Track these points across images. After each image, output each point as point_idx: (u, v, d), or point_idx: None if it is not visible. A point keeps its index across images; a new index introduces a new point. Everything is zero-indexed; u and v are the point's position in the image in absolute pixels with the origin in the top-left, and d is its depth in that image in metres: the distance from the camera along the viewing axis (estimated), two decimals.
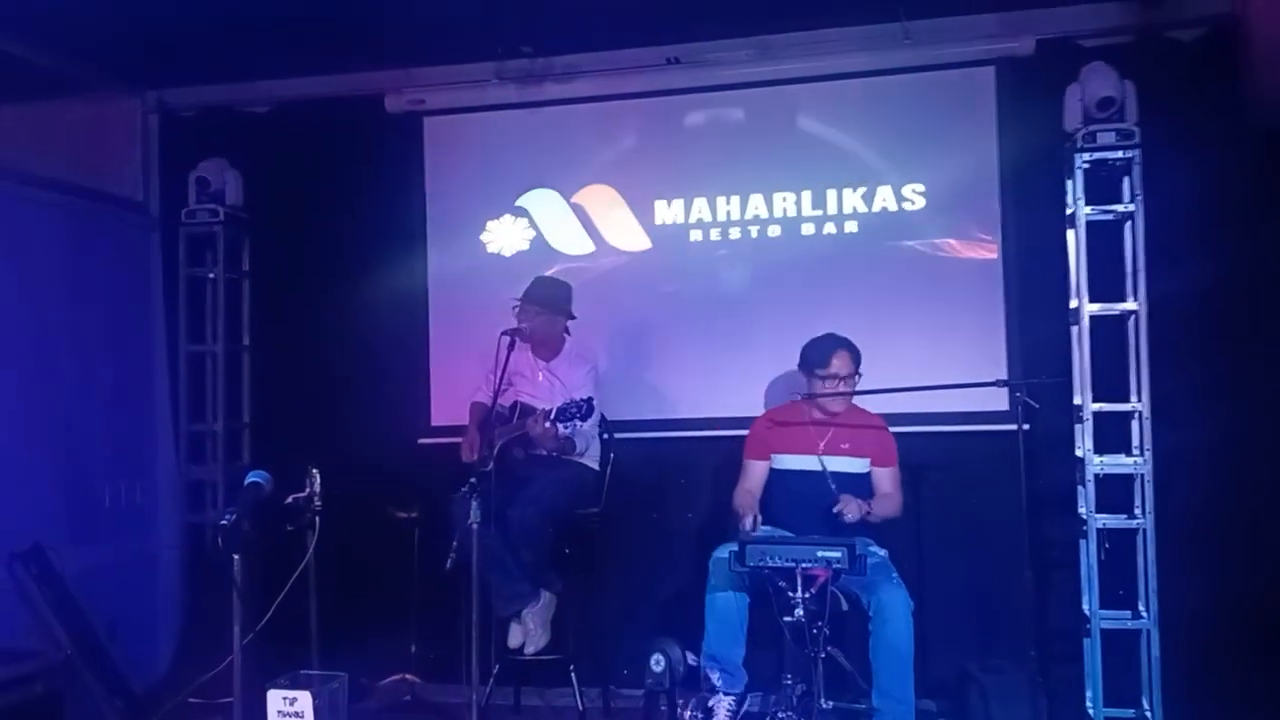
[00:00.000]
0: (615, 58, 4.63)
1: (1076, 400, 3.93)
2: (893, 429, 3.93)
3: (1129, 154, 3.85)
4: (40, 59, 4.33)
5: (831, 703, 3.27)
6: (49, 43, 4.30)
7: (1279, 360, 3.92)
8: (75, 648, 3.93)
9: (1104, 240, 3.96)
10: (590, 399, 3.73)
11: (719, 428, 4.45)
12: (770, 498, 3.88)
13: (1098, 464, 3.87)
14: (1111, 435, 3.93)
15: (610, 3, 4.14)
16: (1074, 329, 3.97)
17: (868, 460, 3.86)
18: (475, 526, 3.38)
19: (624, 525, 4.42)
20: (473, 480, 3.45)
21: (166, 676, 4.63)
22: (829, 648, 3.27)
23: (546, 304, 4.11)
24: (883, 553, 3.73)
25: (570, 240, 4.74)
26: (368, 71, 4.79)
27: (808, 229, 4.53)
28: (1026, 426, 3.69)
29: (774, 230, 4.56)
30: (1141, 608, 3.87)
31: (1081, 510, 3.91)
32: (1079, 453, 3.91)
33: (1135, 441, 3.91)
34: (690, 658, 3.63)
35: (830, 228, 4.51)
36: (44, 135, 4.46)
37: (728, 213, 4.59)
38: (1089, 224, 3.94)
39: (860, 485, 3.82)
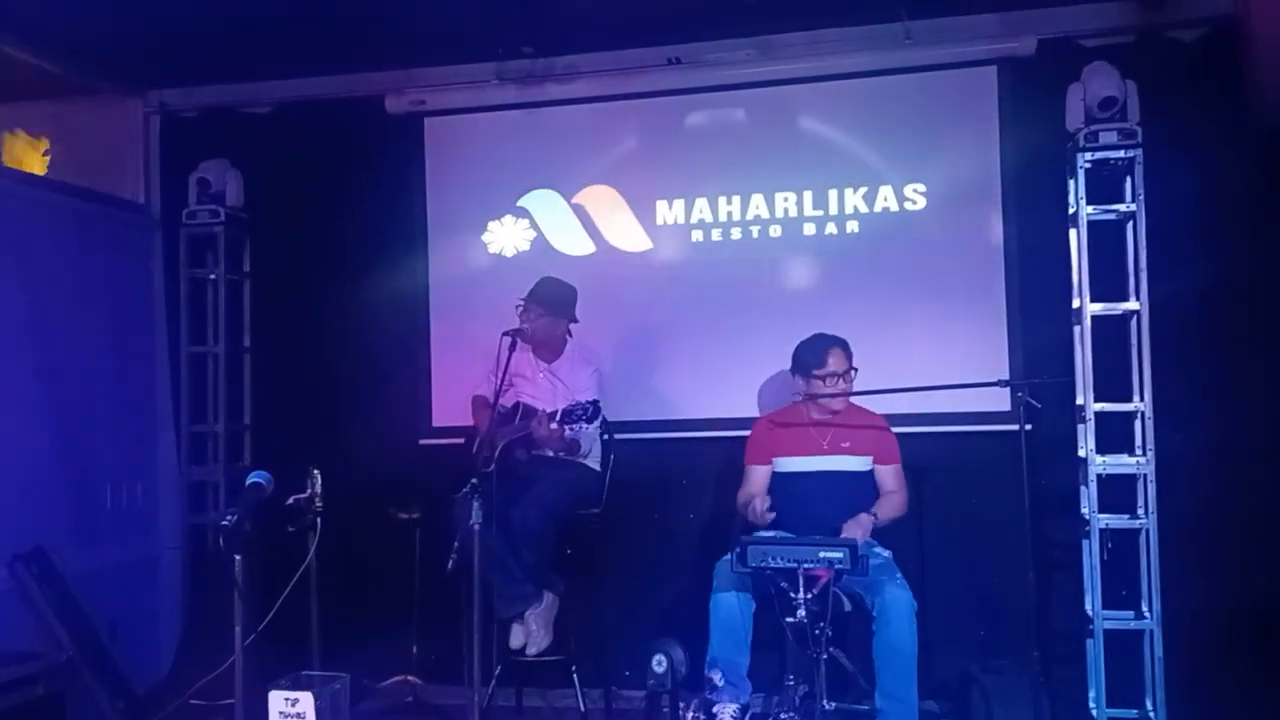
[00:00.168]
0: (616, 58, 4.62)
1: (1079, 400, 3.92)
2: (894, 429, 3.93)
3: (1131, 154, 3.85)
4: (41, 60, 4.33)
5: (834, 704, 3.26)
6: (50, 44, 4.31)
7: None
8: (77, 649, 3.93)
9: (1106, 240, 3.96)
10: (596, 401, 3.72)
11: (720, 428, 4.45)
12: (774, 501, 3.85)
13: (1100, 464, 3.86)
14: (1114, 435, 3.92)
15: (611, 3, 4.14)
16: (1076, 329, 3.96)
17: (870, 458, 3.86)
18: (477, 527, 3.37)
19: (625, 526, 4.42)
20: (474, 481, 3.44)
21: (168, 677, 4.62)
22: (831, 649, 3.24)
23: (550, 305, 4.11)
24: (887, 553, 3.72)
25: (571, 241, 4.73)
26: (368, 72, 4.78)
27: (809, 229, 4.52)
28: (1029, 427, 3.69)
29: (775, 230, 4.55)
30: (1144, 608, 3.86)
31: (1084, 510, 3.90)
32: (1081, 453, 3.91)
33: (1138, 441, 3.90)
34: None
35: (831, 228, 4.51)
36: (45, 136, 4.46)
37: (729, 213, 4.59)
38: (1091, 224, 3.93)
39: (864, 484, 3.82)
